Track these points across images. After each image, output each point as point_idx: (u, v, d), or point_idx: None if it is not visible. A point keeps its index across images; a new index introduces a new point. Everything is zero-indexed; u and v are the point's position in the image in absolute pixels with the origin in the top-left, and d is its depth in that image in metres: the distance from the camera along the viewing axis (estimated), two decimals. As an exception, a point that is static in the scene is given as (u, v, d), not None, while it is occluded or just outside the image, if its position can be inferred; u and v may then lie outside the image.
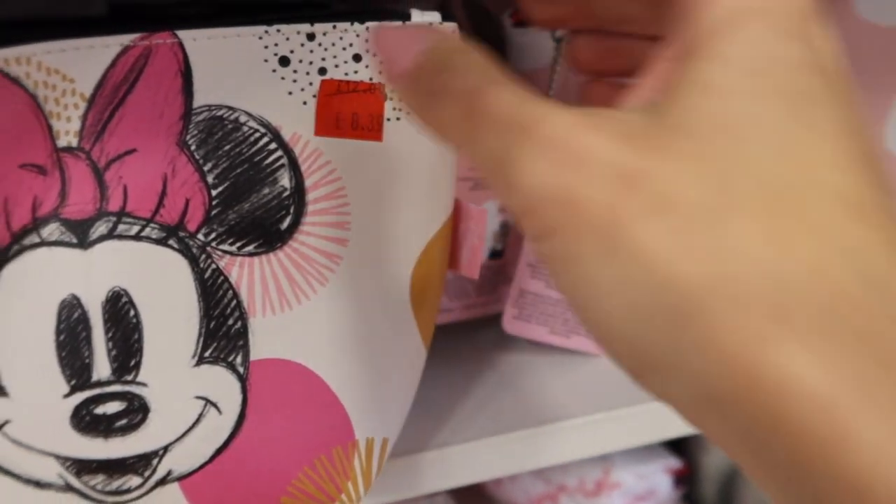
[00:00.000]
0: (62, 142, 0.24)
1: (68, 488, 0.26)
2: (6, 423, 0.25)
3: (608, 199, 0.14)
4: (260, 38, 0.24)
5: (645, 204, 0.14)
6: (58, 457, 0.25)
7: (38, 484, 0.26)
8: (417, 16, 0.24)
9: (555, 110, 0.15)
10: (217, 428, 0.26)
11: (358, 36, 0.24)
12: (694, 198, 0.14)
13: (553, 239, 0.15)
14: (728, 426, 0.14)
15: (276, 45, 0.24)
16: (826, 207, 0.13)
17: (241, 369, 0.26)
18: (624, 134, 0.15)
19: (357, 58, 0.24)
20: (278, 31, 0.24)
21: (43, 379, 0.24)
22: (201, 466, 0.26)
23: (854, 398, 0.12)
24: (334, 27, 0.24)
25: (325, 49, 0.24)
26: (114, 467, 0.25)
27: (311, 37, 0.24)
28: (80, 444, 0.25)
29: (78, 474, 0.25)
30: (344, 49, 0.24)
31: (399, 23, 0.25)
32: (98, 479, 0.25)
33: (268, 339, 0.26)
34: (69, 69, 0.23)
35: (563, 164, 0.15)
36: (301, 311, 0.26)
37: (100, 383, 0.24)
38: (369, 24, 0.24)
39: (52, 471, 0.25)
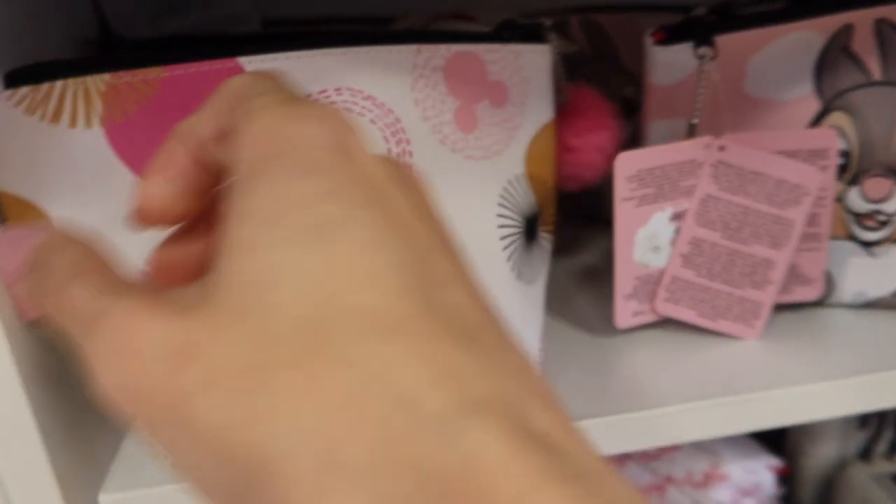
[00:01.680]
0: None
1: None
2: None
3: (166, 382, 0.14)
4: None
5: (199, 378, 0.13)
6: None
7: None
8: None
9: (123, 298, 0.15)
10: None
11: None
12: (237, 363, 0.13)
13: (144, 430, 0.15)
14: None
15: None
16: (354, 335, 0.13)
17: None
18: (178, 310, 0.14)
19: None
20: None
21: None
22: None
23: None
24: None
25: None
26: None
27: None
28: None
29: None
30: None
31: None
32: None
33: None
34: None
35: (123, 354, 0.14)
36: None
37: None
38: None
39: None
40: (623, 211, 0.38)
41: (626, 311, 0.41)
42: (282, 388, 0.13)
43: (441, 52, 0.31)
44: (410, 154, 0.32)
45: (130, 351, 0.14)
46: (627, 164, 0.38)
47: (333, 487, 0.12)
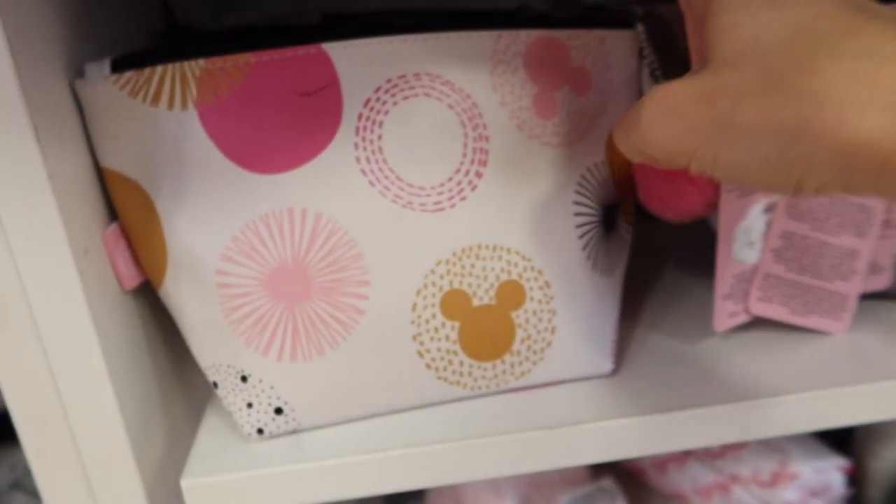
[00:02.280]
0: None
1: None
2: None
3: (705, 114, 0.23)
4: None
5: (728, 104, 0.22)
6: None
7: None
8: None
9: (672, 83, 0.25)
10: None
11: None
12: (748, 87, 0.22)
13: (689, 160, 0.24)
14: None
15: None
16: (830, 40, 0.21)
17: None
18: (694, 76, 0.24)
19: None
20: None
21: None
22: None
23: None
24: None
25: None
26: None
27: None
28: None
29: None
30: None
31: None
32: None
33: None
34: None
35: (668, 109, 0.24)
36: None
37: None
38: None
39: None
40: (727, 203, 0.37)
41: (724, 313, 0.40)
42: (788, 85, 0.21)
43: (522, 38, 0.31)
44: (487, 139, 0.32)
45: (673, 106, 0.23)
46: None
47: (854, 113, 0.20)
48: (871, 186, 0.21)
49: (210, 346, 0.33)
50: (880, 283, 0.42)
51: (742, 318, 0.41)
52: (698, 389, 0.36)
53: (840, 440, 0.55)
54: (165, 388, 0.36)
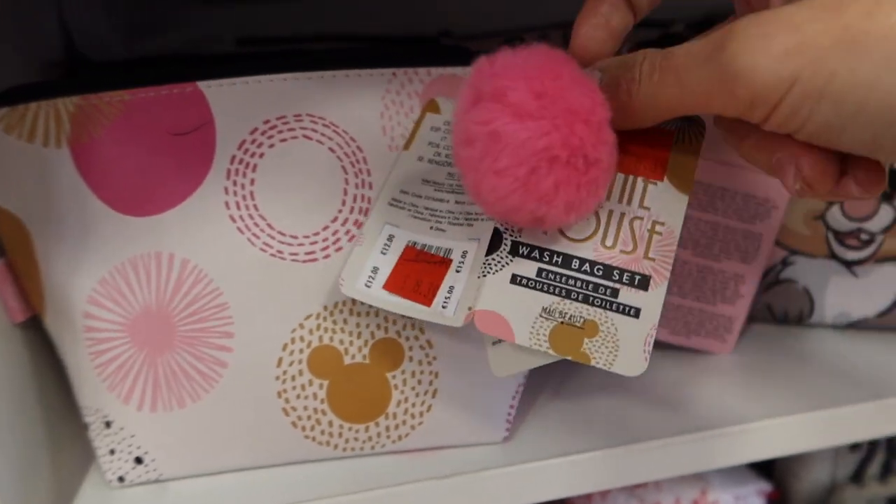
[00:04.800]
0: None
1: None
2: None
3: (832, 22, 0.19)
4: None
5: (856, 14, 0.19)
6: None
7: None
8: None
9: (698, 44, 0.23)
10: None
11: None
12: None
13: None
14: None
15: None
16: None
17: None
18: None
19: None
20: None
21: None
22: None
23: None
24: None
25: None
26: None
27: None
28: None
29: None
30: None
31: None
32: None
33: None
34: None
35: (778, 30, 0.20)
36: None
37: None
38: None
39: None
40: None
41: None
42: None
43: (420, 77, 0.30)
44: (370, 186, 0.30)
45: (787, 22, 0.19)
46: None
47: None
48: None
49: (81, 388, 0.32)
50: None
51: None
52: (600, 431, 0.36)
53: (763, 462, 0.55)
54: (55, 434, 0.34)
